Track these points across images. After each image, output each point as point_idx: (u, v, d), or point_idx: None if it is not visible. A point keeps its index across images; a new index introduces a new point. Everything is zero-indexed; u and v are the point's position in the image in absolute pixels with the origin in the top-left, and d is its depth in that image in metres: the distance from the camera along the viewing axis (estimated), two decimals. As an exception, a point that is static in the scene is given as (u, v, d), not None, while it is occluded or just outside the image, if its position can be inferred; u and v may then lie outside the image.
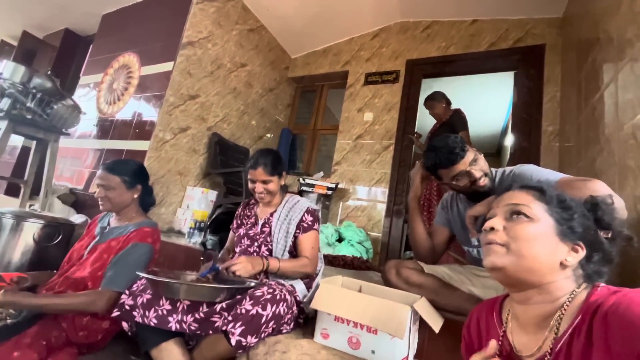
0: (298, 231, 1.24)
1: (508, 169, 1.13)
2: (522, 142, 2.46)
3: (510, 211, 0.58)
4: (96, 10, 3.18)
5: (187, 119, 2.53)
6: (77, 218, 2.06)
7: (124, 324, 1.03)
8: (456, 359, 1.03)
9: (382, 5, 2.96)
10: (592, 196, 0.63)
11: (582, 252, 0.56)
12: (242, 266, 1.05)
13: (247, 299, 0.90)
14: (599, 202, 0.61)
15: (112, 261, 1.11)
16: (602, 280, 0.57)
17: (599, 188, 0.80)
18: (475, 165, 1.11)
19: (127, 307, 1.02)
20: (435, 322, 0.95)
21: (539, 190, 0.60)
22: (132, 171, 1.25)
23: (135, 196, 1.26)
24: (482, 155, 1.16)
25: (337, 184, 2.85)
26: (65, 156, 2.76)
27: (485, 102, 4.01)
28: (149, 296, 1.02)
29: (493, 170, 1.19)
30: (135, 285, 1.06)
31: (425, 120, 4.33)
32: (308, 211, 1.27)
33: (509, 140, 3.90)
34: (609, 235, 0.59)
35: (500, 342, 0.62)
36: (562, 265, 0.55)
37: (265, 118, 3.43)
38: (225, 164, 2.67)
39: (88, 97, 2.90)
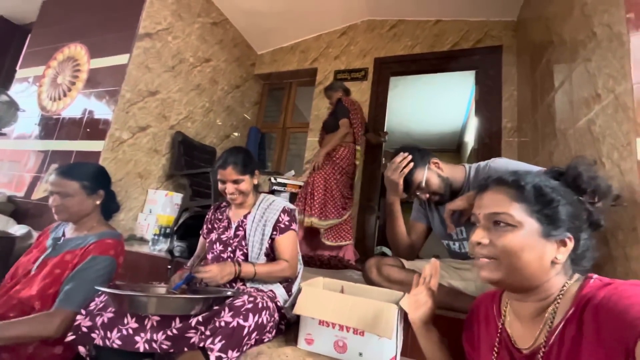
0: (275, 232, 1.18)
1: (483, 163, 1.16)
2: (484, 138, 2.59)
3: (491, 220, 0.58)
4: (34, -4, 2.83)
5: (147, 116, 2.34)
6: (18, 229, 1.82)
7: (81, 349, 0.91)
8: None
9: (349, 3, 2.96)
10: (571, 166, 0.62)
11: (571, 243, 0.55)
12: (211, 275, 0.98)
13: (227, 310, 0.83)
14: (581, 170, 0.61)
15: (67, 277, 0.98)
16: (589, 258, 0.58)
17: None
18: (422, 190, 1.17)
19: (84, 329, 0.89)
20: (421, 319, 0.94)
21: (516, 187, 0.58)
22: (92, 175, 1.11)
23: (97, 203, 1.13)
24: (434, 168, 1.18)
25: (309, 183, 2.80)
26: (1, 160, 2.43)
27: (447, 100, 4.19)
28: (110, 315, 0.90)
29: (467, 165, 1.22)
30: (93, 304, 0.93)
31: (395, 117, 4.45)
32: (284, 211, 1.21)
33: (469, 137, 4.12)
34: (595, 199, 0.59)
35: (499, 334, 0.62)
36: (553, 264, 0.55)
37: (232, 116, 3.29)
38: (190, 165, 2.51)
39: (27, 93, 2.57)
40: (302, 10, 3.01)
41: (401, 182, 1.17)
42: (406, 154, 1.18)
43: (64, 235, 1.12)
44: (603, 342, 0.45)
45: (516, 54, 2.55)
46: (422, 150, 1.22)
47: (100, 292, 0.93)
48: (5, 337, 0.86)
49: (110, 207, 1.18)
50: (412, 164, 1.16)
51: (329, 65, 3.23)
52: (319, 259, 1.88)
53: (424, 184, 1.16)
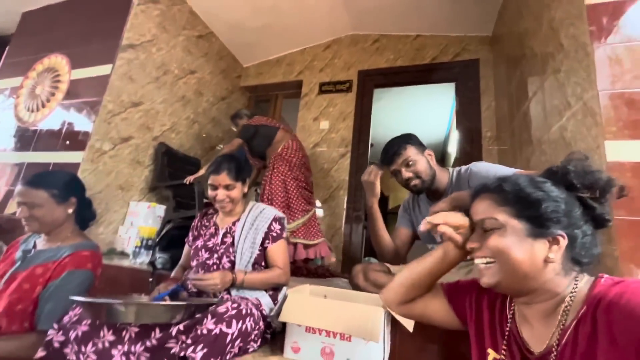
0: (268, 241, 1.18)
1: (464, 167, 1.19)
2: (466, 146, 2.67)
3: (481, 226, 0.61)
4: (14, 8, 2.79)
5: (130, 127, 2.30)
6: (-12, 245, 1.72)
7: (53, 366, 0.86)
8: (428, 358, 1.04)
9: (333, 18, 3.04)
10: (561, 164, 0.61)
11: (564, 241, 0.55)
12: (212, 282, 0.98)
13: (209, 317, 0.80)
14: (570, 166, 0.59)
15: (44, 295, 0.92)
16: (591, 256, 0.56)
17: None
18: (408, 167, 1.20)
19: (57, 345, 0.85)
20: (408, 322, 0.94)
21: (498, 192, 0.60)
22: (62, 182, 1.07)
23: (70, 211, 1.08)
24: (428, 157, 1.23)
25: (295, 193, 2.79)
26: (-28, 173, 2.33)
27: (430, 112, 4.32)
28: (85, 328, 0.86)
29: (451, 169, 1.25)
30: (66, 317, 0.89)
31: (379, 129, 4.53)
32: (275, 219, 1.21)
33: (452, 147, 4.23)
34: (597, 194, 0.57)
35: (507, 333, 0.62)
36: (547, 262, 0.55)
37: (217, 128, 3.28)
38: (174, 176, 2.46)
39: (4, 105, 2.50)
40: (287, 24, 3.07)
41: (377, 182, 1.22)
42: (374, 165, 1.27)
43: (34, 247, 1.06)
44: (616, 340, 0.45)
45: (492, 67, 2.67)
46: (421, 142, 1.28)
47: (74, 305, 0.88)
48: None
49: (85, 216, 1.13)
50: (381, 171, 1.24)
51: (314, 77, 3.29)
52: (306, 269, 1.86)
53: (411, 161, 1.19)
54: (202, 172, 2.23)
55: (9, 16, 2.85)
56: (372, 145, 2.90)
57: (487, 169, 1.10)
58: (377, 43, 3.13)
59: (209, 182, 1.15)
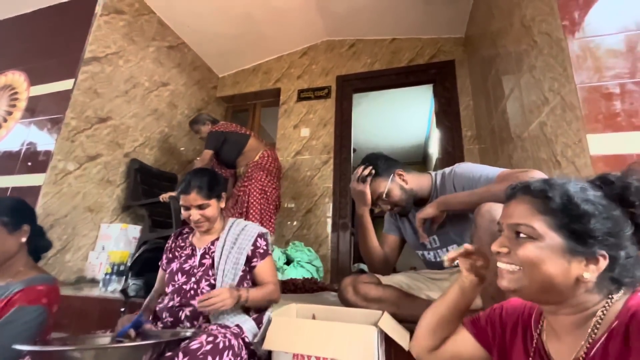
0: (255, 260, 1.10)
1: (448, 169, 1.15)
2: (447, 147, 2.67)
3: (513, 231, 0.55)
4: (-34, 23, 2.61)
5: (97, 145, 2.16)
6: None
7: None
8: (426, 374, 0.97)
9: (307, 25, 3.01)
10: (620, 176, 0.53)
11: (605, 261, 0.49)
12: (222, 300, 0.90)
13: (181, 356, 0.71)
14: (630, 181, 0.52)
15: None
16: (632, 277, 0.50)
17: (540, 176, 0.84)
18: (383, 201, 1.17)
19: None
20: (403, 338, 0.88)
21: (542, 197, 0.54)
22: (11, 209, 0.95)
23: (23, 240, 0.97)
24: (398, 179, 1.16)
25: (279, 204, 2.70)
26: None
27: (410, 114, 4.35)
28: (38, 379, 0.74)
29: (434, 173, 1.21)
30: (17, 366, 0.77)
31: (360, 134, 4.52)
32: (260, 236, 1.14)
33: (433, 148, 4.27)
34: None
35: (534, 345, 0.57)
36: (579, 282, 0.50)
37: (194, 140, 3.15)
38: (148, 194, 2.33)
39: (-44, 127, 2.30)
40: (261, 32, 3.02)
41: (368, 190, 1.16)
42: (367, 164, 1.18)
43: (-19, 285, 0.94)
44: None
45: (468, 67, 2.70)
46: (389, 160, 1.20)
47: (24, 353, 0.76)
48: None
49: (38, 246, 1.02)
50: (374, 171, 1.16)
51: (292, 85, 3.24)
52: (292, 283, 1.77)
53: (384, 196, 1.14)
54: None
55: (-40, 32, 2.66)
56: (354, 150, 2.86)
57: (471, 169, 1.07)
58: (353, 48, 3.12)
59: (180, 202, 1.06)
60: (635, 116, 1.00)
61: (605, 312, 0.49)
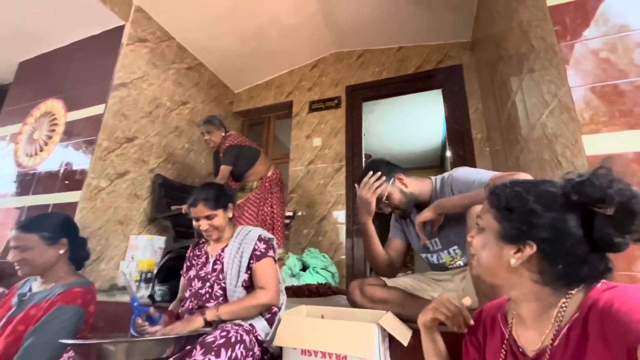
0: (252, 261, 1.16)
1: (446, 174, 1.20)
2: (459, 150, 2.68)
3: (476, 223, 0.66)
4: (12, 58, 2.92)
5: (125, 162, 2.35)
6: (-9, 291, 1.74)
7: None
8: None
9: (316, 39, 3.14)
10: (566, 177, 0.56)
11: (530, 251, 0.54)
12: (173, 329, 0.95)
13: (198, 348, 0.80)
14: (578, 179, 0.53)
15: (29, 331, 0.93)
16: (578, 274, 0.53)
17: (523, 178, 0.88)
18: (384, 204, 1.21)
19: (52, 389, 0.84)
20: (403, 336, 0.93)
21: (490, 193, 0.63)
22: (52, 224, 1.09)
23: (61, 252, 1.10)
24: (398, 183, 1.20)
25: (294, 212, 2.81)
26: (-25, 221, 2.37)
27: (424, 118, 4.36)
28: (80, 369, 0.86)
29: (434, 178, 1.26)
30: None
31: (374, 140, 4.57)
32: (260, 239, 1.20)
33: (449, 152, 4.25)
34: (613, 211, 0.50)
35: (506, 339, 0.63)
36: (517, 270, 0.56)
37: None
38: (172, 207, 2.49)
39: (4, 153, 2.57)
40: (272, 48, 3.17)
41: (374, 200, 1.19)
42: (378, 172, 1.19)
43: (30, 290, 1.08)
44: (609, 345, 0.45)
45: (475, 70, 2.71)
46: (389, 165, 1.25)
47: (68, 347, 0.88)
48: None
49: (79, 256, 1.15)
50: (383, 180, 1.18)
51: (304, 97, 3.36)
52: (307, 288, 1.84)
53: (385, 199, 1.19)
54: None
55: (6, 66, 2.98)
56: (370, 157, 2.92)
57: (467, 174, 1.11)
58: (361, 58, 3.21)
59: (191, 215, 1.17)
60: (629, 115, 1.02)
61: (566, 304, 0.54)
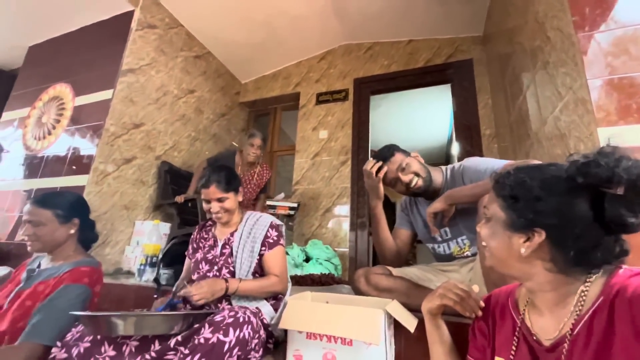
0: (264, 248, 1.16)
1: (457, 164, 1.19)
2: (466, 146, 2.65)
3: (484, 214, 0.65)
4: (21, 43, 2.93)
5: (132, 148, 2.35)
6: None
7: (56, 384, 0.86)
8: None
9: (325, 30, 3.11)
10: (570, 160, 0.53)
11: (539, 238, 0.53)
12: (202, 293, 0.96)
13: (207, 326, 0.80)
14: (583, 160, 0.51)
15: (37, 307, 0.94)
16: (594, 259, 0.51)
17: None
18: (404, 171, 1.19)
19: (60, 362, 0.85)
20: (410, 322, 0.93)
21: (495, 182, 0.62)
22: (66, 203, 1.10)
23: (72, 232, 1.11)
24: (416, 158, 1.24)
25: (299, 203, 2.80)
26: (-17, 202, 2.40)
27: (430, 115, 4.32)
28: (87, 344, 0.87)
29: (444, 167, 1.25)
30: (69, 335, 0.90)
31: (380, 135, 4.55)
32: (272, 226, 1.21)
33: (455, 149, 4.21)
34: (623, 190, 0.47)
35: (518, 328, 0.61)
36: (529, 259, 0.54)
37: (219, 144, 3.33)
38: (177, 193, 2.49)
39: (13, 136, 2.59)
40: (281, 39, 3.15)
41: (381, 185, 1.21)
42: (373, 160, 1.24)
43: (39, 266, 1.09)
44: (639, 335, 0.43)
45: (486, 65, 2.68)
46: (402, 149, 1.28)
47: (77, 322, 0.89)
48: None
49: (88, 237, 1.16)
50: (384, 164, 1.21)
51: (311, 88, 3.34)
52: (310, 278, 1.84)
53: (405, 164, 1.19)
54: (191, 189, 2.34)
55: (16, 51, 2.99)
56: (373, 152, 2.91)
57: (478, 163, 1.10)
58: (370, 50, 3.18)
59: (202, 196, 1.17)
60: (647, 108, 1.00)
61: (585, 292, 0.52)
